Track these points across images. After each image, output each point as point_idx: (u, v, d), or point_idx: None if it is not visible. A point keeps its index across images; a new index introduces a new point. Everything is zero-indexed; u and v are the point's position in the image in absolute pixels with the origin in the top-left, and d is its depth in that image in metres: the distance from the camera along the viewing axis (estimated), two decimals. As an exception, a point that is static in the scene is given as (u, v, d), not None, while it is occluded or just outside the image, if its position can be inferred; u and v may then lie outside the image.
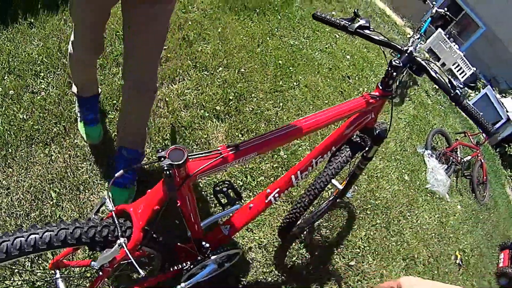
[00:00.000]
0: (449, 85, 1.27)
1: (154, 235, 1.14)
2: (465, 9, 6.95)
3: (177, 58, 2.68)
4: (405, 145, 3.61)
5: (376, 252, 2.42)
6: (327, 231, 2.27)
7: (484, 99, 5.91)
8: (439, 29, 6.51)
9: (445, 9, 4.76)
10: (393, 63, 1.30)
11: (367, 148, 1.64)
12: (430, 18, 4.60)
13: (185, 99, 2.43)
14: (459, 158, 4.08)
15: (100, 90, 2.00)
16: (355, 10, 1.47)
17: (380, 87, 1.40)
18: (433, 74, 1.30)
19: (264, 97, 2.81)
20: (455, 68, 6.49)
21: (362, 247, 2.36)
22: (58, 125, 1.91)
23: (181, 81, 2.54)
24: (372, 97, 1.39)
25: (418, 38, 4.39)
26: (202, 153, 1.04)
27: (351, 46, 4.66)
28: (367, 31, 1.41)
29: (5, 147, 1.75)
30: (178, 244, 1.31)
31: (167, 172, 0.93)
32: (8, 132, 1.79)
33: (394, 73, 1.33)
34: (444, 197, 3.52)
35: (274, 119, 2.70)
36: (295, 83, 3.16)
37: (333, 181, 1.90)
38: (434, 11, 4.61)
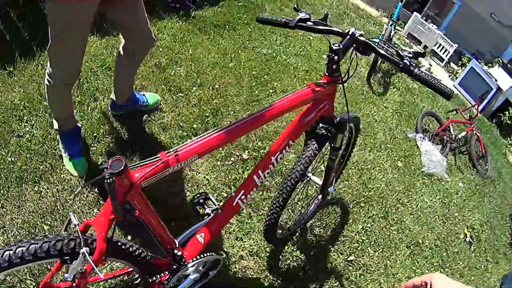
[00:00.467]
0: (397, 57, 1.26)
1: (122, 246, 1.15)
2: None
3: (151, 84, 2.71)
4: (395, 132, 3.59)
5: (377, 244, 2.39)
6: (321, 230, 2.24)
7: (471, 73, 5.88)
8: (415, 13, 6.53)
9: None
10: (333, 47, 1.29)
11: (331, 138, 1.62)
12: (400, 3, 4.62)
13: (162, 122, 2.45)
14: (453, 136, 4.04)
15: (80, 125, 2.09)
16: (295, 6, 1.48)
17: (327, 74, 1.39)
18: (379, 50, 1.29)
19: (241, 109, 2.82)
20: (437, 49, 6.49)
21: (361, 240, 2.33)
22: (45, 163, 1.98)
23: (161, 105, 2.57)
24: (318, 85, 1.37)
25: (391, 25, 4.39)
26: (142, 162, 1.06)
27: (325, 45, 4.67)
28: (309, 23, 1.42)
29: (-3, 189, 1.82)
30: (152, 255, 1.31)
31: (108, 181, 0.94)
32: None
33: (336, 57, 1.31)
34: (443, 178, 3.48)
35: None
36: (271, 91, 3.17)
37: (313, 177, 1.89)
38: None
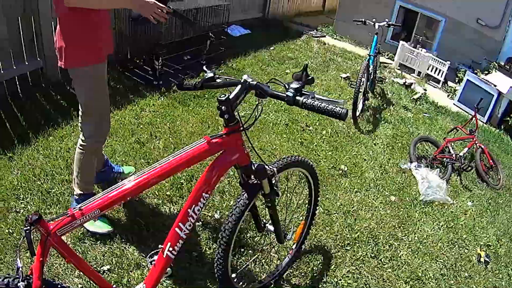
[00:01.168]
0: (284, 93, 1.35)
1: (57, 284, 1.35)
2: (418, 11, 7.08)
3: (131, 160, 2.93)
4: (386, 167, 3.57)
5: (367, 286, 2.34)
6: (299, 279, 2.22)
7: (469, 86, 5.77)
8: (401, 42, 6.62)
9: (386, 20, 4.83)
10: (219, 98, 1.39)
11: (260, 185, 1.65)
12: (375, 36, 4.70)
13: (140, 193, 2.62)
14: (454, 155, 3.96)
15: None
16: (204, 67, 1.65)
17: (225, 125, 1.46)
18: (265, 88, 1.40)
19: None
20: (431, 71, 6.48)
21: (346, 284, 2.28)
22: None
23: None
24: (216, 137, 1.45)
25: (368, 59, 4.44)
26: (58, 216, 1.27)
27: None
28: (213, 82, 1.56)
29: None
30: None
31: (26, 230, 1.16)
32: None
33: (223, 107, 1.40)
34: (445, 202, 3.36)
35: (228, 189, 2.81)
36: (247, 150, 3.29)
37: (267, 225, 1.92)
38: (376, 27, 4.72)
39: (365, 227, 2.74)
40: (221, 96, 1.39)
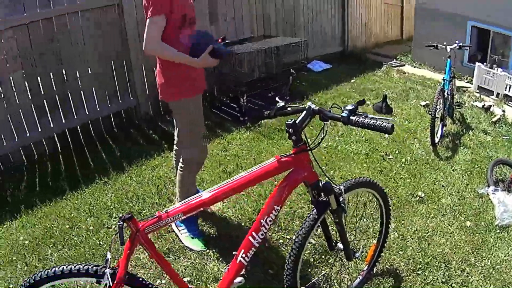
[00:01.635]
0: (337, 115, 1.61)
1: (140, 279, 1.63)
2: (490, 29, 6.75)
3: None
4: (464, 193, 3.56)
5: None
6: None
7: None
8: (477, 64, 6.37)
9: (457, 42, 4.75)
10: (287, 122, 1.65)
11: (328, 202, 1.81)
12: (448, 60, 4.69)
13: (225, 216, 3.04)
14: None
15: None
16: (276, 97, 1.91)
17: (293, 146, 1.70)
18: (326, 112, 1.65)
19: (296, 199, 3.21)
20: (508, 91, 6.11)
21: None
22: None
23: (224, 202, 3.16)
24: (285, 156, 1.68)
25: (443, 84, 4.43)
26: (147, 217, 1.59)
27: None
28: (285, 110, 1.81)
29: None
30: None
31: (119, 226, 1.45)
32: (89, 253, 2.68)
33: (291, 130, 1.65)
34: (525, 227, 3.28)
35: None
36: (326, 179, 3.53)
37: (338, 244, 2.06)
38: (448, 50, 4.69)
39: (438, 252, 2.81)
40: (289, 121, 1.66)
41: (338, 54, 8.35)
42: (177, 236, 2.81)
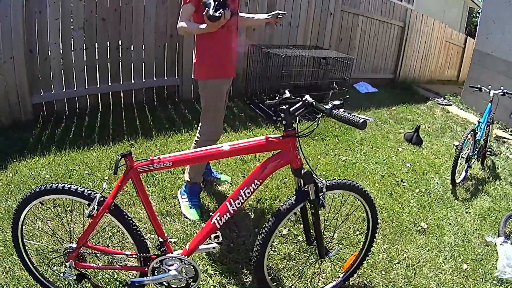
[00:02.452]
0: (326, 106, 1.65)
1: (124, 212, 1.75)
2: None
3: (230, 171, 3.46)
4: (471, 237, 3.37)
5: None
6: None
7: None
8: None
9: (502, 88, 4.46)
10: (281, 108, 1.71)
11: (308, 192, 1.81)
12: (489, 104, 4.46)
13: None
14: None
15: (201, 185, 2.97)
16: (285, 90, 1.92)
17: (283, 130, 1.75)
18: (317, 106, 1.68)
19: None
20: None
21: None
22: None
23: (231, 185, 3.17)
24: (273, 137, 1.75)
25: (477, 126, 4.22)
26: (142, 159, 1.70)
27: (415, 155, 4.77)
28: (289, 100, 1.80)
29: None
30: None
31: (120, 158, 1.61)
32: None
33: (283, 115, 1.71)
34: (527, 286, 3.07)
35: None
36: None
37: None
38: (491, 95, 4.47)
39: (422, 284, 2.68)
40: (283, 107, 1.72)
41: (388, 81, 8.20)
42: (179, 202, 2.94)
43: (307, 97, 1.75)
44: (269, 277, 2.02)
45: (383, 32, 7.63)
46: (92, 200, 1.67)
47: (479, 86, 4.57)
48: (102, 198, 1.69)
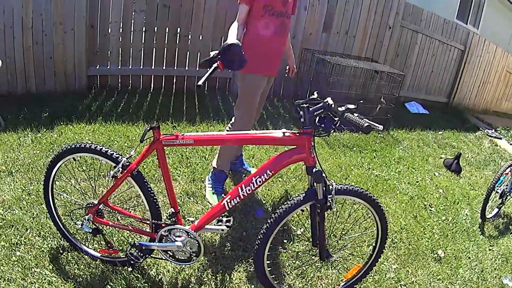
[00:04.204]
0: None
1: (145, 180, 1.90)
2: None
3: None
4: (488, 276, 3.25)
5: None
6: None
7: None
8: None
9: None
10: (301, 105, 1.78)
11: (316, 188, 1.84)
12: None
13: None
14: None
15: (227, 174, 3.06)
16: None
17: (301, 127, 1.81)
18: (335, 109, 1.72)
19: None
20: None
21: None
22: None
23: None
24: (290, 133, 1.83)
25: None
26: (168, 134, 1.84)
27: (451, 183, 4.63)
28: (314, 102, 1.84)
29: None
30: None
31: (149, 129, 1.75)
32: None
33: (301, 112, 1.78)
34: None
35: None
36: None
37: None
38: None
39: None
40: (304, 105, 1.78)
41: (440, 105, 7.93)
42: (205, 186, 3.10)
43: (329, 99, 1.79)
44: (269, 269, 2.08)
45: (442, 53, 7.37)
46: (118, 163, 1.83)
47: None
48: (127, 163, 1.85)
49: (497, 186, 3.85)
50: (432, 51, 7.22)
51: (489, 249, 3.59)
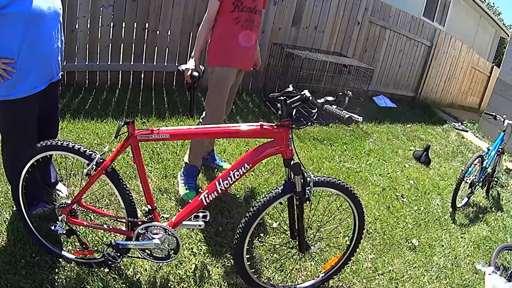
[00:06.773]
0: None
1: (119, 177, 1.85)
2: None
3: (233, 160, 3.38)
4: (461, 262, 3.37)
5: None
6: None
7: None
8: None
9: None
10: (279, 98, 1.78)
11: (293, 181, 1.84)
12: (502, 133, 4.42)
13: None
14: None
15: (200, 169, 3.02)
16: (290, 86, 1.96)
17: (278, 120, 1.81)
18: (313, 101, 1.75)
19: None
20: None
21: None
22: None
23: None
24: (268, 125, 1.82)
25: (486, 153, 4.21)
26: (143, 129, 1.79)
27: (421, 174, 4.76)
28: (291, 94, 1.83)
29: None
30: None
31: (123, 124, 1.71)
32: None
33: (279, 105, 1.79)
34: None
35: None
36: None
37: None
38: (505, 124, 4.43)
39: (400, 295, 2.71)
40: (281, 97, 1.78)
41: (408, 99, 8.15)
42: (177, 182, 3.05)
43: (306, 91, 1.80)
44: (248, 263, 2.06)
45: (409, 49, 7.59)
46: (92, 160, 1.77)
47: (494, 114, 4.54)
48: (101, 160, 1.79)
49: (467, 177, 3.99)
50: (400, 46, 7.42)
51: (461, 237, 3.72)
